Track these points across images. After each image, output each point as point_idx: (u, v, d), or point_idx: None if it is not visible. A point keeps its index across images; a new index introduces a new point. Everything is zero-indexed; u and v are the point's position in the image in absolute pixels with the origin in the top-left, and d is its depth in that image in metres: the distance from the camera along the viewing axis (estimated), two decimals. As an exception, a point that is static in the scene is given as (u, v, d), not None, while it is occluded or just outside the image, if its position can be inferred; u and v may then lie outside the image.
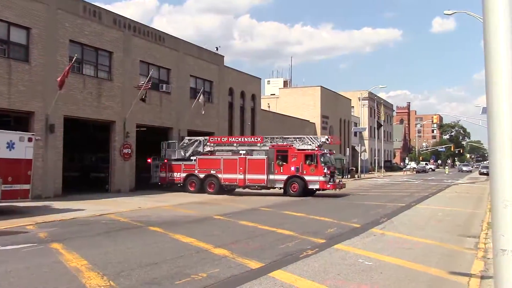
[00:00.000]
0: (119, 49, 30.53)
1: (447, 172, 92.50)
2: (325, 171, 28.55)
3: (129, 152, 31.02)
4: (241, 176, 29.98)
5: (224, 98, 42.94)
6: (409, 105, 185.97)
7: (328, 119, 69.99)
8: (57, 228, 14.99)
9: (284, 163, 29.31)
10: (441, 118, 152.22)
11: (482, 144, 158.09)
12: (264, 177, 29.49)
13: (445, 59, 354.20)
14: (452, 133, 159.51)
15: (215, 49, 42.97)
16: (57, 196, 25.13)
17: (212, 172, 30.74)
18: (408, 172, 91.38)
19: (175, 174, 32.01)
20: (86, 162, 36.05)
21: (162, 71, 35.05)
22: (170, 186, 32.39)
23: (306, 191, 29.06)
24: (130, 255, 10.91)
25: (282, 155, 29.48)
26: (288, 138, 30.80)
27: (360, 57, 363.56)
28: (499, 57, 3.01)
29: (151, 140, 36.16)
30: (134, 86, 30.40)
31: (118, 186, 30.22)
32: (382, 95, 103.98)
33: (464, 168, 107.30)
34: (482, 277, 9.41)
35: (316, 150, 29.19)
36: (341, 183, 30.69)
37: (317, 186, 28.84)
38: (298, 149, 29.36)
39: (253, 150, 30.92)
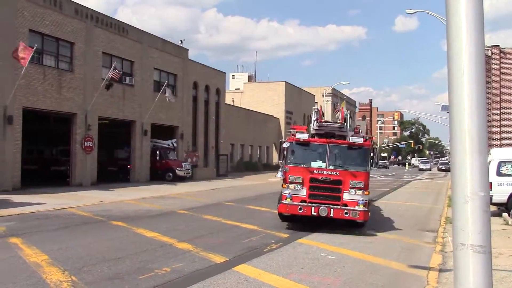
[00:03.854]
0: (81, 40, 29.87)
1: (407, 168, 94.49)
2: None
3: (91, 145, 30.44)
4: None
5: (189, 92, 42.62)
6: (371, 102, 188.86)
7: (292, 115, 70.41)
8: (16, 222, 14.62)
9: None
10: (401, 115, 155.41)
11: (440, 141, 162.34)
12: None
13: (407, 57, 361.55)
14: (413, 130, 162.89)
15: (180, 42, 42.58)
16: (15, 189, 24.47)
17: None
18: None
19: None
20: (46, 155, 35.19)
21: (125, 63, 34.50)
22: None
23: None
24: (92, 250, 10.74)
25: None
26: None
27: (325, 53, 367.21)
28: (461, 54, 3.10)
29: (114, 132, 35.64)
30: (102, 78, 29.82)
31: (79, 179, 29.64)
32: (346, 91, 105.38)
33: (422, 166, 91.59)
34: (440, 270, 9.69)
35: None
36: None
37: None
38: None
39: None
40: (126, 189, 28.40)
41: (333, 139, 14.82)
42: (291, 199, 14.09)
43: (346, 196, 13.80)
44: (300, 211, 13.94)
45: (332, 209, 13.68)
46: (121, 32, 33.82)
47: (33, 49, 23.42)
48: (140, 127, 35.51)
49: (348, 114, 16.96)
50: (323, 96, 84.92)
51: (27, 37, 25.75)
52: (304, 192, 14.11)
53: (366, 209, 13.84)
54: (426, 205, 23.95)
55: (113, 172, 35.77)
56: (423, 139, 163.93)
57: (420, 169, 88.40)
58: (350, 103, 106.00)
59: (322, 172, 14.11)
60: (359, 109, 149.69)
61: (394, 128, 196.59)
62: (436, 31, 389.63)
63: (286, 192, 14.16)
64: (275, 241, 12.40)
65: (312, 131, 16.04)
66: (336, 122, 16.74)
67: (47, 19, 27.33)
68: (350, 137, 14.53)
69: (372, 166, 14.68)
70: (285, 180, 14.33)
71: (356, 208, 13.72)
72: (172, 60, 39.88)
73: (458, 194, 3.06)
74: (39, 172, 33.25)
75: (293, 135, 14.83)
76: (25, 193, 22.66)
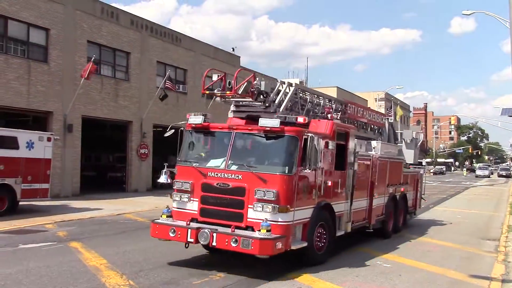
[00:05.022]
0: (137, 49, 30.71)
1: (465, 174, 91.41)
2: None
3: (146, 152, 31.17)
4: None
5: (240, 99, 42.88)
6: (426, 106, 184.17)
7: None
8: (76, 227, 15.13)
9: None
10: (458, 119, 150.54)
11: (500, 146, 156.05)
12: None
13: (463, 59, 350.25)
14: (470, 135, 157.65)
15: (232, 50, 43.04)
16: (75, 195, 25.34)
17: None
18: (425, 174, 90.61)
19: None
20: (104, 162, 36.27)
21: (178, 71, 35.17)
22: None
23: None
24: (149, 254, 10.97)
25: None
26: None
27: (378, 58, 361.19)
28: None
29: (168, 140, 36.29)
30: (157, 86, 30.52)
31: (135, 186, 30.39)
32: (400, 96, 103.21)
33: (479, 172, 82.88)
34: (503, 281, 9.31)
35: None
36: None
37: None
38: None
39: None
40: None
41: (240, 125, 10.57)
42: (169, 216, 10.05)
43: (251, 213, 9.21)
44: (173, 235, 9.58)
45: (215, 235, 9.03)
46: (175, 41, 34.53)
47: (91, 61, 24.25)
48: (193, 134, 36.00)
49: (281, 87, 11.54)
50: (375, 100, 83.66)
51: (86, 48, 26.72)
52: (194, 206, 9.83)
53: (271, 237, 8.77)
54: (486, 213, 23.08)
55: (168, 178, 36.37)
56: (482, 144, 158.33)
57: (477, 176, 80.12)
58: (404, 107, 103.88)
59: (219, 175, 9.63)
60: (413, 113, 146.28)
61: (450, 133, 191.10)
62: (494, 32, 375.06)
63: (174, 205, 10.24)
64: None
65: (230, 114, 11.98)
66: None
67: (104, 30, 28.27)
68: (262, 120, 9.65)
69: (310, 164, 9.39)
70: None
71: (254, 235, 8.87)
72: (224, 68, 40.22)
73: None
74: (97, 178, 34.30)
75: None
76: (84, 199, 23.43)
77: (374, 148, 14.12)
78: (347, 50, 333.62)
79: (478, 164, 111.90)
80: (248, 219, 9.22)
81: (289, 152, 9.51)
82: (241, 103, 11.64)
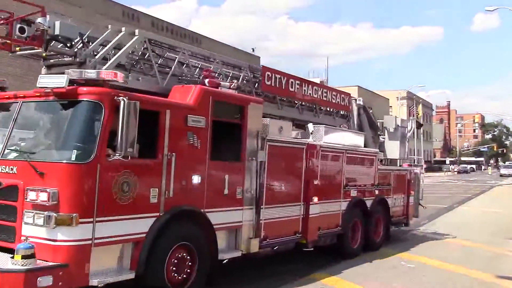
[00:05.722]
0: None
1: (490, 173, 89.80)
2: None
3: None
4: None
5: (261, 99, 42.91)
6: (449, 104, 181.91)
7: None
8: None
9: None
10: (482, 117, 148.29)
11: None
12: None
13: (487, 56, 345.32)
14: (495, 133, 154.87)
15: (251, 50, 43.15)
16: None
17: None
18: (449, 173, 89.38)
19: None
20: None
21: (199, 72, 35.36)
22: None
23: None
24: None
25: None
26: None
27: (399, 56, 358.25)
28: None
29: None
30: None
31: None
32: (422, 94, 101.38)
33: (504, 171, 79.60)
34: (531, 282, 9.08)
35: None
36: None
37: None
38: None
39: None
40: None
41: (29, 92, 6.75)
42: None
43: (26, 228, 5.92)
44: None
45: None
46: (194, 42, 34.70)
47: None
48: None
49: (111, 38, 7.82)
50: (397, 99, 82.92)
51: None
52: None
53: (21, 268, 5.37)
54: (511, 212, 22.63)
55: None
56: (507, 142, 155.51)
57: (502, 175, 76.81)
58: (427, 106, 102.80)
59: None
60: (436, 112, 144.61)
61: (474, 131, 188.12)
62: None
63: None
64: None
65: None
66: None
67: (125, 33, 28.54)
68: (42, 78, 6.33)
69: (130, 147, 5.91)
70: None
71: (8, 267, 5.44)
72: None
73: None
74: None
75: None
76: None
77: (311, 133, 10.41)
78: (368, 48, 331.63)
79: (505, 163, 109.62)
80: (22, 238, 5.81)
81: (82, 126, 6.20)
82: (52, 60, 7.86)
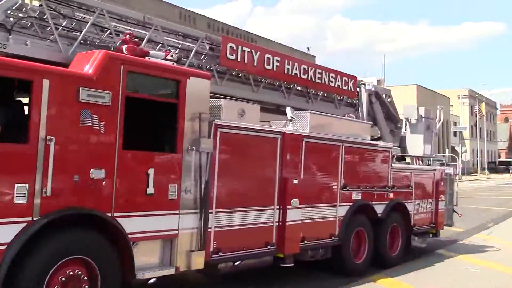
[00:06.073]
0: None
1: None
2: None
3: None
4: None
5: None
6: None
7: (426, 119, 67.22)
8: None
9: None
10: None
11: None
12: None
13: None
14: None
15: (307, 49, 42.86)
16: None
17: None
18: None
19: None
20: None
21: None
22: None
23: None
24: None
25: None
26: None
27: (460, 53, 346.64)
28: None
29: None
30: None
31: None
32: (485, 92, 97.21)
33: None
34: None
35: None
36: None
37: None
38: None
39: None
40: None
41: None
42: None
43: None
44: None
45: None
46: (250, 42, 34.85)
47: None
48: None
49: None
50: (458, 98, 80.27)
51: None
52: None
53: None
54: None
55: None
56: None
57: None
58: (490, 104, 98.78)
59: None
60: (500, 111, 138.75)
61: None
62: None
63: None
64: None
65: None
66: None
67: (182, 34, 29.04)
68: None
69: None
70: None
71: None
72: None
73: None
74: None
75: None
76: None
77: (290, 120, 8.22)
78: (426, 45, 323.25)
79: None
80: None
81: None
82: None
